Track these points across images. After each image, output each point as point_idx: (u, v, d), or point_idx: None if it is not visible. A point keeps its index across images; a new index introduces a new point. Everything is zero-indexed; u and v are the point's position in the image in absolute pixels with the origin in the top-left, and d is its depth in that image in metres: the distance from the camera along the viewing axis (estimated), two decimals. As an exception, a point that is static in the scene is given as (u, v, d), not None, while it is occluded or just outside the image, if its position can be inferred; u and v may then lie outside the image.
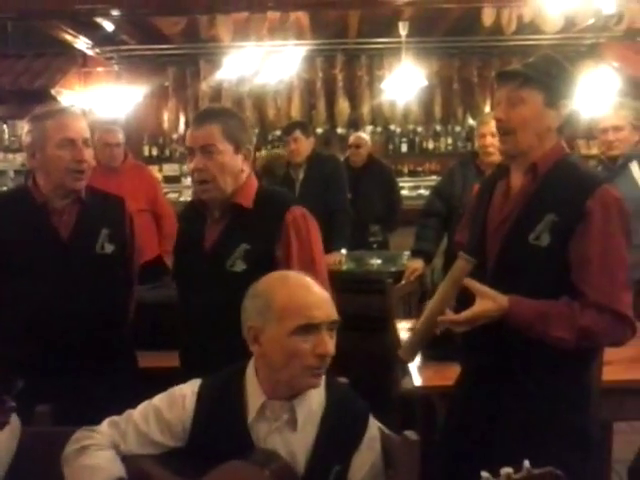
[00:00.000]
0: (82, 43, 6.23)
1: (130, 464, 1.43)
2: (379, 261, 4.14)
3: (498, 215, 1.77)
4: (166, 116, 7.12)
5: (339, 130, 7.28)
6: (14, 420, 1.50)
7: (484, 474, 1.02)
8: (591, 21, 5.49)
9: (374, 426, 1.52)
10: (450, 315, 1.66)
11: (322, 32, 5.81)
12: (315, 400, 1.47)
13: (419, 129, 7.59)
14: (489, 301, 1.63)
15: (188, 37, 5.88)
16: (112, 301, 2.09)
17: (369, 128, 7.16)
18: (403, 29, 5.39)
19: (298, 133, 4.13)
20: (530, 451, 1.12)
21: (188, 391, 1.49)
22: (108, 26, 5.43)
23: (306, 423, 1.45)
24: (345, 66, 6.65)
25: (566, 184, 1.68)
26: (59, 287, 1.98)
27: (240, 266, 1.88)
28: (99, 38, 6.18)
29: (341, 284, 3.37)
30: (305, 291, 1.45)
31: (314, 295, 1.44)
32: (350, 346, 3.16)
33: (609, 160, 3.19)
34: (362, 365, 3.37)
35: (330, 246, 3.96)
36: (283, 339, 1.40)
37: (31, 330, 1.97)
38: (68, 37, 6.20)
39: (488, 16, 4.69)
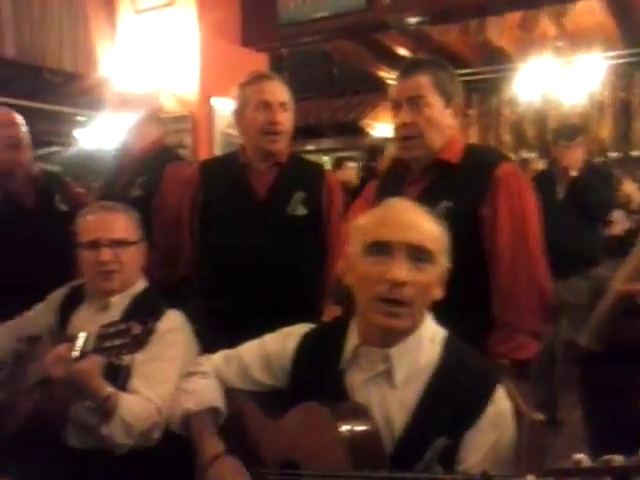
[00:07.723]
0: (392, 78, 6.61)
1: (228, 397, 1.40)
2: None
3: None
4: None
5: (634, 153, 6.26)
6: None
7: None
8: None
9: (503, 400, 1.22)
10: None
11: (634, 40, 5.17)
12: (424, 355, 1.24)
13: None
14: None
15: (486, 61, 5.78)
16: (301, 260, 2.07)
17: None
18: None
19: (580, 139, 3.68)
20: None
21: (296, 331, 1.39)
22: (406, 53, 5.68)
23: (409, 380, 1.22)
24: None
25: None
26: (251, 241, 2.04)
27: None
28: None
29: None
30: (390, 210, 1.27)
31: (396, 215, 1.25)
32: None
33: None
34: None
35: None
36: (358, 259, 1.24)
37: (225, 278, 2.05)
38: (382, 74, 6.69)
39: None
